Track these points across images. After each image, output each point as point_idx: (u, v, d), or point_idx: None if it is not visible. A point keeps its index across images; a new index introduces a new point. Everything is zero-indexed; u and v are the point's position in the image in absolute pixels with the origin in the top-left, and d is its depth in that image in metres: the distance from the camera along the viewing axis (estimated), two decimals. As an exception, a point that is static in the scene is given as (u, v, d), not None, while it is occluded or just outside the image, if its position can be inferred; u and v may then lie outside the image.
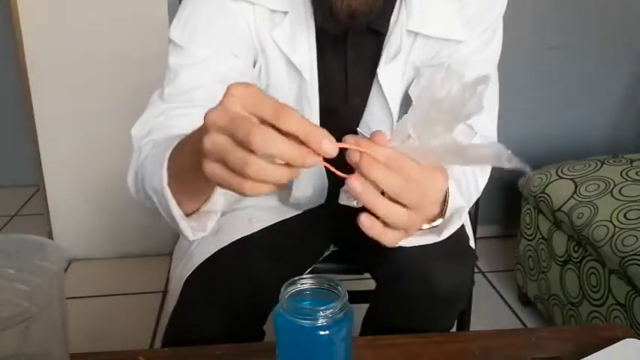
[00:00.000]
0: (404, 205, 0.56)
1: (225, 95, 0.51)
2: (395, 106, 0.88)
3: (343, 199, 0.61)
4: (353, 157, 0.55)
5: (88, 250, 2.16)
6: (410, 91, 0.88)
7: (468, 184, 0.87)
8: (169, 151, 0.66)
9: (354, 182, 0.55)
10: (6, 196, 2.72)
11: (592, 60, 2.14)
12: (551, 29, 2.10)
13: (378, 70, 0.86)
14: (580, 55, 2.13)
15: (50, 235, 2.15)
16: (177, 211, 0.67)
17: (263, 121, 0.50)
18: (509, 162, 0.54)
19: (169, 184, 0.66)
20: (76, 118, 2.05)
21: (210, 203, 0.71)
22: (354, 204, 0.60)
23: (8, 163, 2.80)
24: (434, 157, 0.59)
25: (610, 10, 2.09)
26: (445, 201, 0.68)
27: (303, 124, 0.49)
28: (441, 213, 0.68)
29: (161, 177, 0.66)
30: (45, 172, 2.10)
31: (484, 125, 0.89)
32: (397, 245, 0.70)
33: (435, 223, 0.68)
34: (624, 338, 0.73)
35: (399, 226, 0.58)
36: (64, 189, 2.12)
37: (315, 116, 0.87)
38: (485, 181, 0.94)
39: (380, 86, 0.86)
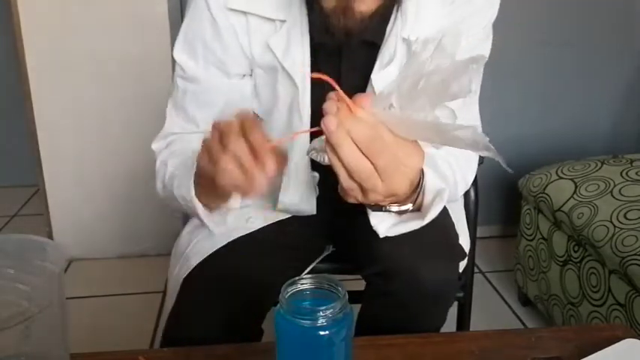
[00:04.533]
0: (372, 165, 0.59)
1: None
2: None
3: (312, 153, 0.62)
4: (330, 109, 0.58)
5: (88, 250, 2.16)
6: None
7: (454, 178, 0.88)
8: (194, 170, 0.79)
9: (329, 119, 0.58)
10: (6, 196, 2.72)
11: (592, 60, 2.14)
12: (553, 29, 2.10)
13: (372, 76, 0.87)
14: (580, 55, 2.13)
15: (50, 235, 2.15)
16: (203, 213, 0.84)
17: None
18: (487, 149, 0.55)
19: (195, 194, 0.81)
20: (76, 118, 2.05)
21: (229, 203, 0.85)
22: (320, 159, 0.60)
23: (8, 163, 2.80)
24: (412, 130, 0.58)
25: (611, 9, 2.09)
26: (420, 185, 0.70)
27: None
28: (414, 197, 0.71)
29: (189, 190, 0.81)
30: (45, 172, 2.10)
31: (467, 118, 0.91)
32: (384, 235, 0.73)
33: (404, 207, 0.70)
34: (624, 338, 0.73)
35: (360, 178, 0.60)
36: (64, 189, 2.12)
37: (305, 122, 0.88)
38: (473, 174, 0.95)
39: (374, 91, 0.87)
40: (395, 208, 0.71)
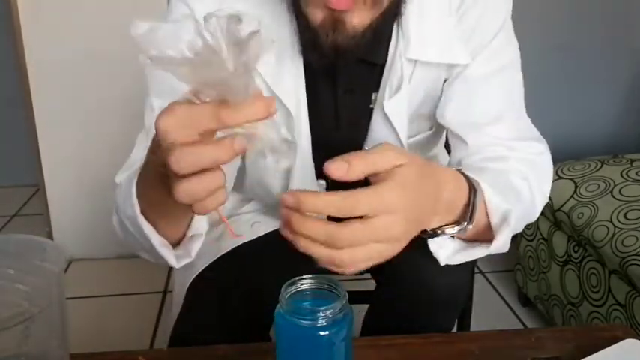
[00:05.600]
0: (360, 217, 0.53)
1: (156, 130, 0.50)
2: (403, 135, 0.84)
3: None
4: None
5: (88, 250, 2.16)
6: (438, 116, 0.85)
7: (531, 193, 0.80)
8: (136, 178, 0.64)
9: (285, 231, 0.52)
10: (6, 196, 2.72)
11: (592, 60, 2.14)
12: (553, 30, 2.10)
13: (385, 103, 0.82)
14: (580, 55, 2.13)
15: (50, 235, 2.15)
16: (155, 238, 0.65)
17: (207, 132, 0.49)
18: None
19: (145, 214, 0.64)
20: (76, 118, 2.05)
21: (192, 227, 0.70)
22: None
23: (8, 163, 2.80)
24: None
25: (611, 10, 2.09)
26: (469, 204, 0.66)
27: (243, 114, 0.49)
28: (467, 215, 0.66)
29: (132, 205, 0.64)
30: (45, 172, 2.10)
31: (521, 128, 0.91)
32: (445, 263, 0.69)
33: (457, 228, 0.66)
34: (624, 338, 0.73)
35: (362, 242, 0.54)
36: (64, 189, 2.12)
37: (306, 148, 0.84)
38: (550, 183, 0.86)
39: (387, 118, 0.82)
40: (449, 230, 0.66)
